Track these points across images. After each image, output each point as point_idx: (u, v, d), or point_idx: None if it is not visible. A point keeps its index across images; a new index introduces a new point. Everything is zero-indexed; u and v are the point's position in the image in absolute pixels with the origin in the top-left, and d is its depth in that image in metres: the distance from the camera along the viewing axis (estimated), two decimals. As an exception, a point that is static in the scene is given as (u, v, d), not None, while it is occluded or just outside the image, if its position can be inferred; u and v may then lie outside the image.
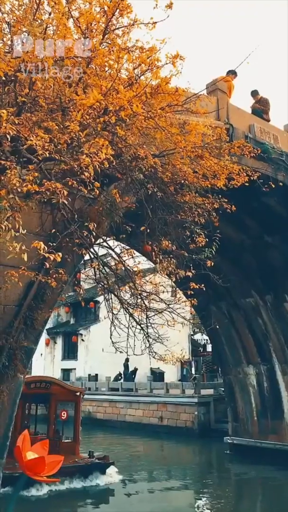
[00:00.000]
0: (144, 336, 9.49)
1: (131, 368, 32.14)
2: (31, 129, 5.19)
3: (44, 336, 34.15)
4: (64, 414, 15.38)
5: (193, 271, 8.10)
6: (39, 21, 5.64)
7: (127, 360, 30.66)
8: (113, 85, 5.60)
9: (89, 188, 5.59)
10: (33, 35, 5.23)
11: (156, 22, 6.17)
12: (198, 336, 40.04)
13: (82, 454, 15.53)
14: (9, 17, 5.87)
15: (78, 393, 15.89)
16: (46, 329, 27.99)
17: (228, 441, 19.63)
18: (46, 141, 4.82)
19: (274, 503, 13.69)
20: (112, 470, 15.10)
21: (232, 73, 13.61)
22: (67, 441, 15.20)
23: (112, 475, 14.87)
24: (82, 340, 35.17)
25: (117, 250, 9.18)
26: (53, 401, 15.33)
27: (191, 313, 21.70)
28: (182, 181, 7.92)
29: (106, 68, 6.06)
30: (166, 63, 6.16)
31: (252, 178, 9.07)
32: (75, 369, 35.29)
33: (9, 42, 5.79)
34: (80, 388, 18.28)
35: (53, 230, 6.80)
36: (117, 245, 9.66)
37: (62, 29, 5.49)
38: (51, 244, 5.84)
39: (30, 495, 12.51)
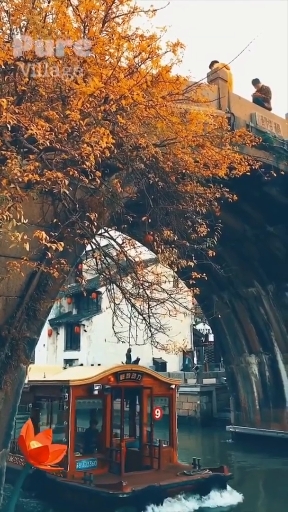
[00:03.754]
0: (146, 326, 9.52)
1: (133, 358, 32.26)
2: (31, 118, 5.16)
3: (46, 327, 34.22)
4: (158, 412, 12.45)
5: (194, 261, 8.09)
6: (38, 9, 5.58)
7: (129, 350, 30.73)
8: (114, 74, 5.56)
9: (90, 178, 5.57)
10: (32, 24, 5.19)
11: (156, 10, 6.12)
12: (200, 326, 40.10)
13: (180, 462, 12.72)
14: (8, 6, 5.82)
15: (173, 386, 13.02)
16: (48, 320, 28.08)
17: (231, 429, 19.76)
18: (46, 130, 4.80)
19: (276, 490, 13.78)
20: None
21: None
22: (165, 447, 12.23)
23: (232, 492, 11.36)
24: (85, 330, 35.25)
25: (119, 240, 9.17)
26: (144, 396, 12.42)
27: (193, 303, 21.70)
28: (184, 171, 7.89)
29: (106, 57, 6.02)
30: (167, 51, 6.12)
31: (253, 168, 9.03)
32: (77, 359, 35.42)
33: (8, 31, 5.74)
34: (175, 380, 14.64)
35: (55, 220, 6.79)
36: (119, 235, 9.65)
37: (61, 17, 5.45)
38: (53, 234, 5.83)
39: None
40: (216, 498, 10.78)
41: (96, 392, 11.12)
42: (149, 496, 9.64)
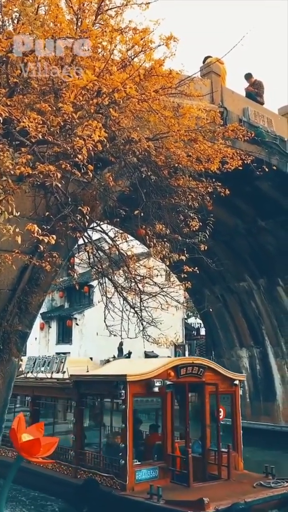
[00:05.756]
0: (138, 320, 9.53)
1: (125, 352, 32.34)
2: (23, 111, 5.14)
3: (38, 320, 34.19)
4: (221, 412, 10.98)
5: (186, 255, 8.12)
6: (31, 0, 5.54)
7: (121, 343, 30.81)
8: (106, 67, 5.54)
9: (82, 171, 5.56)
10: (24, 15, 5.15)
11: (149, 3, 6.10)
12: (191, 320, 40.28)
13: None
14: (0, -3, 5.77)
15: (237, 382, 11.26)
16: (40, 314, 28.01)
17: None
18: (38, 123, 4.78)
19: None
20: None
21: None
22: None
23: None
24: (77, 324, 35.26)
25: (111, 234, 9.15)
26: (206, 393, 10.75)
27: (184, 297, 21.75)
28: (176, 165, 7.90)
29: (99, 50, 5.99)
30: (160, 45, 6.11)
31: (245, 162, 9.05)
32: (69, 353, 35.40)
33: (0, 23, 5.70)
34: (239, 374, 12.56)
35: (47, 214, 6.78)
36: (111, 229, 9.63)
37: (54, 9, 5.41)
38: (45, 228, 5.82)
39: None
40: None
41: (156, 389, 9.53)
42: None
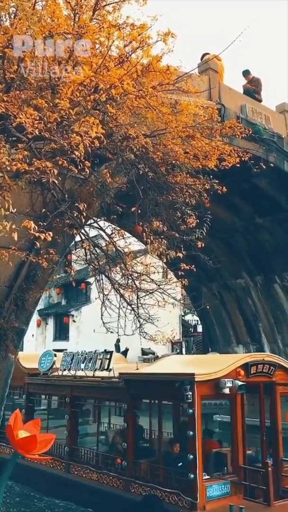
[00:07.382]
0: (135, 317, 9.53)
1: (122, 349, 32.37)
2: (20, 107, 5.11)
3: (35, 317, 34.20)
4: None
5: (183, 252, 8.11)
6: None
7: (118, 340, 30.82)
8: (104, 63, 5.52)
9: (79, 168, 5.55)
10: (21, 10, 5.12)
11: (147, -2, 6.07)
12: (188, 317, 40.31)
13: None
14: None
15: None
16: (37, 310, 27.97)
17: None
18: (35, 119, 4.76)
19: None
20: None
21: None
22: None
23: None
24: (74, 321, 35.26)
25: (108, 231, 9.14)
26: (277, 394, 9.50)
27: (181, 294, 21.79)
28: (173, 162, 7.89)
29: (97, 46, 5.97)
30: (157, 41, 6.10)
31: (243, 159, 9.04)
32: (66, 349, 35.42)
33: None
34: None
35: (43, 210, 6.76)
36: (108, 226, 9.62)
37: (51, 4, 5.39)
38: (42, 224, 5.81)
39: None
40: None
41: (227, 391, 8.32)
42: None
